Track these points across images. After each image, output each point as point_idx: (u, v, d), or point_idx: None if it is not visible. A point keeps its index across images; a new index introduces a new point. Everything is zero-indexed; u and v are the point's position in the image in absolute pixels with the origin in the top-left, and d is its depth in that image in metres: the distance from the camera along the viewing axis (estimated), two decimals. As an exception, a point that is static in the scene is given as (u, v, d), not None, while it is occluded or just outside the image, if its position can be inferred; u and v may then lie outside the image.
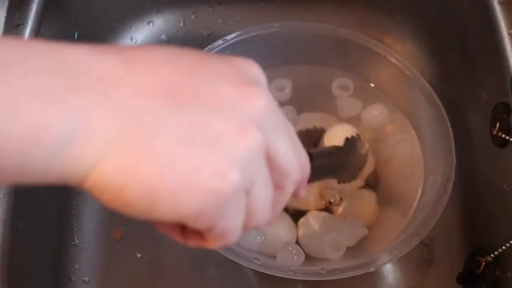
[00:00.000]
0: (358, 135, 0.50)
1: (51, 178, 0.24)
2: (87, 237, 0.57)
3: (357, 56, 0.57)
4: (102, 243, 0.57)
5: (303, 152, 0.31)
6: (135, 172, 0.24)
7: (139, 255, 0.56)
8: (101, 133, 0.23)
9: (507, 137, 0.50)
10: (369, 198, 0.54)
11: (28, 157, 0.23)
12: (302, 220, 0.53)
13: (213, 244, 0.28)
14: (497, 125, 0.51)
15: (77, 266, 0.56)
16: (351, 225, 0.51)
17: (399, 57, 0.55)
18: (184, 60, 0.26)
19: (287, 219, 0.53)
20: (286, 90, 0.58)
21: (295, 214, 0.54)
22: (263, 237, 0.51)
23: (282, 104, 0.58)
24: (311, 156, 0.33)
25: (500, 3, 0.53)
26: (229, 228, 0.27)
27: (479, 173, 0.56)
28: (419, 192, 0.52)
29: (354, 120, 0.58)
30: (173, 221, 0.25)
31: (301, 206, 0.54)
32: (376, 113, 0.57)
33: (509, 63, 0.51)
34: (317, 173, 0.34)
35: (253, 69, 0.28)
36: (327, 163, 0.40)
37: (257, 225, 0.29)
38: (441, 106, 0.53)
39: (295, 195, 0.32)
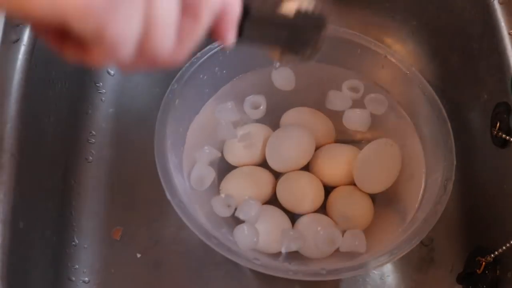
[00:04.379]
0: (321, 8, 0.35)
1: None
2: (87, 237, 0.57)
3: (357, 56, 0.57)
4: (102, 243, 0.57)
5: None
6: None
7: (139, 255, 0.56)
8: None
9: (507, 137, 0.50)
10: (364, 200, 0.54)
11: None
12: (299, 220, 0.53)
13: (97, 57, 0.22)
14: (497, 125, 0.51)
15: (77, 266, 0.56)
16: (353, 238, 0.51)
17: (399, 57, 0.55)
18: None
19: (285, 219, 0.53)
20: (261, 107, 0.57)
21: (293, 216, 0.54)
22: (258, 237, 0.51)
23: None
24: (247, 9, 0.27)
25: (500, 3, 0.53)
26: (120, 38, 0.21)
27: (479, 173, 0.56)
28: (420, 193, 0.52)
29: (338, 115, 0.58)
30: (52, 19, 0.20)
31: (298, 208, 0.54)
32: (354, 117, 0.57)
33: (509, 63, 0.51)
34: (255, 28, 0.28)
35: None
36: (268, 23, 0.31)
37: (155, 47, 0.23)
38: (441, 106, 0.53)
39: (217, 36, 0.25)
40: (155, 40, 0.23)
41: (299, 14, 0.33)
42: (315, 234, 0.51)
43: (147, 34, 0.22)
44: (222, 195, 0.53)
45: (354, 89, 0.57)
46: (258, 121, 0.58)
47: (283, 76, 0.58)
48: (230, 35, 0.26)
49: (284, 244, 0.51)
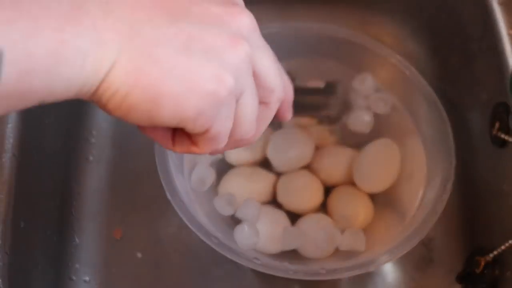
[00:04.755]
0: (336, 83, 0.53)
1: (70, 93, 0.26)
2: (87, 236, 0.57)
3: (357, 56, 0.57)
4: (102, 243, 0.57)
5: (285, 74, 0.34)
6: (140, 78, 0.26)
7: (139, 255, 0.56)
8: (109, 45, 0.26)
9: (506, 137, 0.50)
10: (363, 200, 0.54)
11: (54, 74, 0.25)
12: (299, 220, 0.53)
13: (203, 148, 0.31)
14: (497, 125, 0.51)
15: (77, 266, 0.56)
16: (352, 236, 0.51)
17: (399, 57, 0.55)
18: None
19: (285, 219, 0.53)
20: None
21: (293, 216, 0.54)
22: (258, 237, 0.51)
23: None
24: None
25: (500, 3, 0.53)
26: (221, 132, 0.30)
27: (479, 173, 0.56)
28: (420, 193, 0.52)
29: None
30: (174, 124, 0.28)
31: (298, 208, 0.54)
32: (358, 119, 0.57)
33: (509, 63, 0.51)
34: (297, 105, 0.37)
35: None
36: (308, 99, 0.44)
37: (242, 135, 0.31)
38: (441, 106, 0.53)
39: (281, 117, 0.36)
40: (242, 131, 0.31)
41: (328, 84, 0.51)
42: (314, 233, 0.51)
43: (236, 127, 0.31)
44: (225, 194, 0.53)
45: (364, 86, 0.57)
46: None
47: None
48: (289, 114, 0.37)
49: (285, 242, 0.51)
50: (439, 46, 0.64)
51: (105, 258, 0.56)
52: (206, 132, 0.29)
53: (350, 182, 0.56)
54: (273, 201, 0.55)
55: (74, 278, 0.55)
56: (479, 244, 0.53)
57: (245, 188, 0.54)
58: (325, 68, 0.58)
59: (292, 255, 0.52)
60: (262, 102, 0.32)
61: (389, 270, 0.56)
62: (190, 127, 0.28)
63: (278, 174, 0.56)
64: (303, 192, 0.54)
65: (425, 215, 0.48)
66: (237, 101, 0.29)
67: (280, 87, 0.32)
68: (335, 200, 0.55)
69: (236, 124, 0.30)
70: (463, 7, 0.58)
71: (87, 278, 0.56)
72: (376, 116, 0.58)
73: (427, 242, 0.56)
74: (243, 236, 0.50)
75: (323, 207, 0.55)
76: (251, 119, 0.31)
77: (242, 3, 0.32)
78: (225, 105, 0.28)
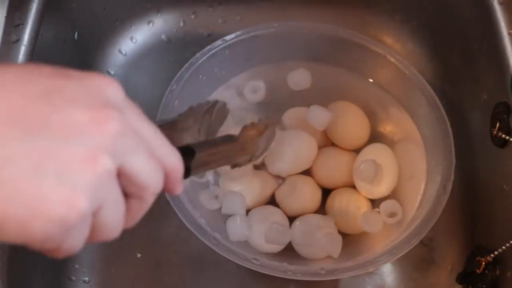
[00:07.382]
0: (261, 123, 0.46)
1: None
2: (87, 237, 0.57)
3: (357, 56, 0.57)
4: (102, 243, 0.57)
5: (171, 156, 0.31)
6: None
7: (139, 255, 0.56)
8: None
9: (507, 137, 0.50)
10: (363, 201, 0.54)
11: None
12: (296, 222, 0.53)
13: (54, 255, 0.29)
14: (497, 125, 0.51)
15: (77, 266, 0.56)
16: (328, 240, 0.51)
17: (399, 57, 0.55)
18: (37, 83, 0.27)
19: (285, 219, 0.53)
20: (260, 91, 0.57)
21: (291, 220, 0.54)
22: (249, 231, 0.51)
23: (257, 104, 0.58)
24: (193, 150, 0.35)
25: (500, 3, 0.53)
26: (72, 247, 0.28)
27: (479, 173, 0.56)
28: (420, 193, 0.52)
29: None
30: (22, 242, 0.26)
31: (296, 212, 0.54)
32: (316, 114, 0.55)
33: (509, 63, 0.51)
34: (202, 163, 0.36)
35: (109, 88, 0.28)
36: (214, 153, 0.39)
37: (105, 238, 0.30)
38: (441, 106, 0.53)
39: (167, 191, 0.32)
40: (101, 236, 0.29)
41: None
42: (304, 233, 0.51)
43: (97, 234, 0.29)
44: (211, 187, 0.53)
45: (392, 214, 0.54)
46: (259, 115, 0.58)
47: (300, 77, 0.58)
48: (178, 188, 0.32)
49: (269, 238, 0.51)
50: (439, 46, 0.64)
51: (104, 258, 0.56)
52: (55, 249, 0.28)
53: (350, 184, 0.55)
54: (274, 202, 0.55)
55: (73, 278, 0.55)
56: (479, 244, 0.53)
57: (246, 189, 0.54)
58: (324, 70, 0.58)
59: (291, 254, 0.52)
60: (137, 196, 0.30)
61: (389, 270, 0.56)
62: (37, 247, 0.27)
63: (278, 176, 0.56)
64: (301, 196, 0.54)
65: (425, 215, 0.48)
66: (94, 214, 0.28)
67: (155, 182, 0.30)
68: (333, 201, 0.55)
69: (94, 232, 0.29)
70: (463, 7, 0.58)
71: (86, 279, 0.55)
72: (376, 116, 0.58)
73: (427, 242, 0.56)
74: (235, 227, 0.50)
75: (322, 210, 0.55)
76: (113, 225, 0.29)
77: (120, 99, 0.29)
78: (77, 227, 0.27)
